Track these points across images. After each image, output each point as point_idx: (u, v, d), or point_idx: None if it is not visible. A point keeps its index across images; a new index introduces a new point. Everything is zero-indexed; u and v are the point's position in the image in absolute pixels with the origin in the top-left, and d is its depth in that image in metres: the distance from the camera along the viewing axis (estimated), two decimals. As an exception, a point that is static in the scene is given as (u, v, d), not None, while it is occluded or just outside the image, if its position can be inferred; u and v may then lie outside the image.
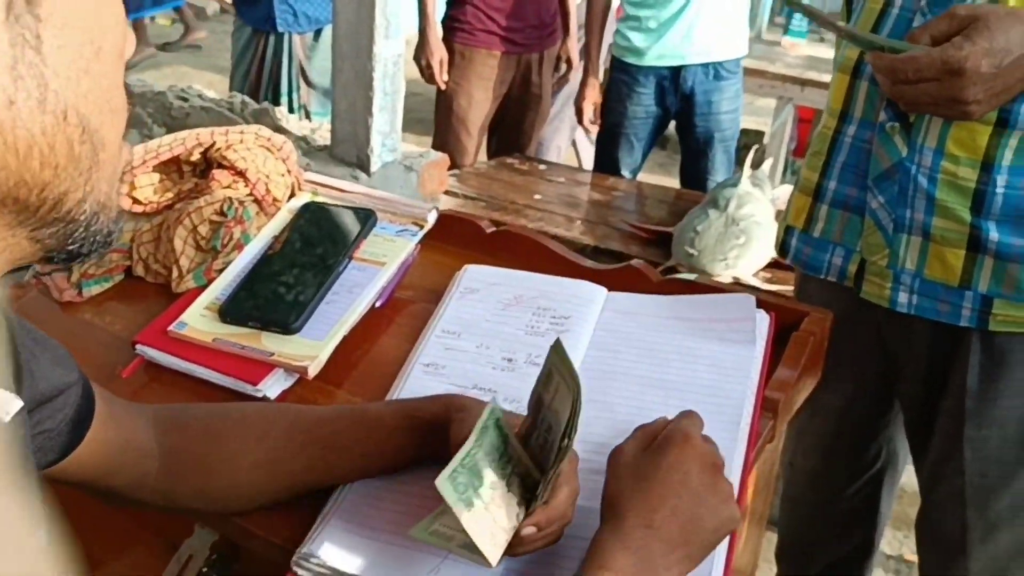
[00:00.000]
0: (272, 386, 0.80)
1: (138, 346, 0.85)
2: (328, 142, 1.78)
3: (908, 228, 0.98)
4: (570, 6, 2.89)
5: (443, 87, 2.75)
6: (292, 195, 1.00)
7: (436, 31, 2.70)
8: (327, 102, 2.77)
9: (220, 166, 0.96)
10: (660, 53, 2.51)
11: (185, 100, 1.77)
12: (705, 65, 2.47)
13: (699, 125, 2.59)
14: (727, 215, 1.97)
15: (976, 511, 1.04)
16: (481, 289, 0.89)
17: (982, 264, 0.95)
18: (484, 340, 0.83)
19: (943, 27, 0.85)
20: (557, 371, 0.56)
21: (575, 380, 0.54)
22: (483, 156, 3.00)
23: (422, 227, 0.96)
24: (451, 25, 2.74)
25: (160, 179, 0.98)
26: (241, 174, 0.95)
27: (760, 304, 0.85)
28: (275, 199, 0.97)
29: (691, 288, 0.91)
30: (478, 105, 2.78)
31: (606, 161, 2.73)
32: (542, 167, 2.77)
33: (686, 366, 0.79)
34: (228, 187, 0.95)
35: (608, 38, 2.77)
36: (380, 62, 1.63)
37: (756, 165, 2.30)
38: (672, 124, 2.73)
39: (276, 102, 2.73)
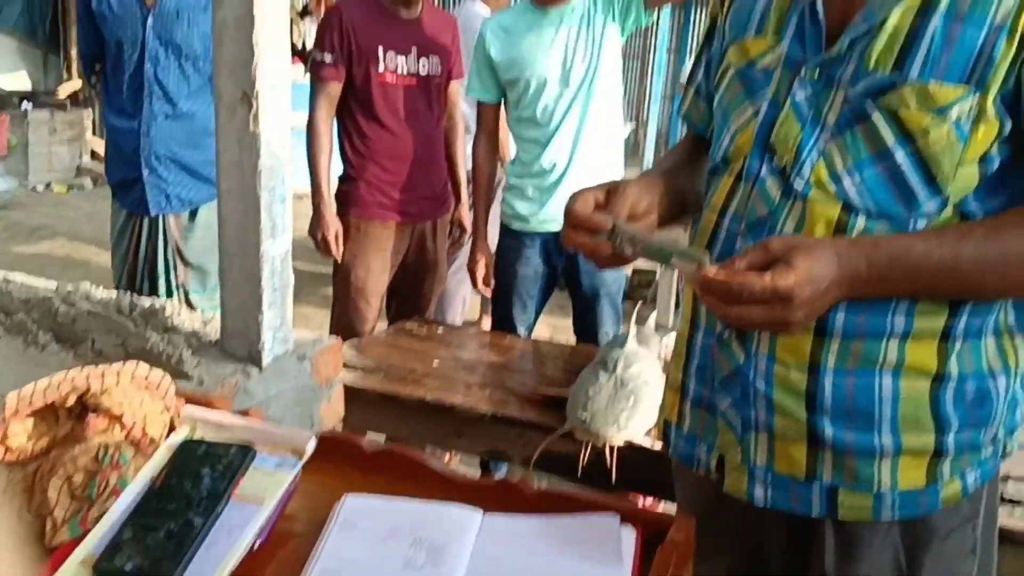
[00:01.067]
0: (149, 645, 0.80)
1: (9, 611, 0.83)
2: (219, 335, 1.80)
3: (755, 427, 1.05)
4: (460, 176, 3.03)
5: (339, 259, 2.82)
6: (171, 430, 1.02)
7: (330, 206, 2.78)
8: (206, 280, 2.79)
9: (96, 410, 0.97)
10: (543, 219, 2.65)
11: (72, 304, 1.76)
12: (586, 229, 2.60)
13: (585, 283, 2.70)
14: (616, 377, 2.05)
15: None
16: (359, 522, 0.91)
17: (823, 458, 1.02)
18: (363, 577, 0.84)
19: (759, 258, 0.91)
20: None
21: None
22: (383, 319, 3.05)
23: (300, 456, 0.98)
24: (344, 200, 2.84)
25: (34, 425, 0.98)
26: (117, 419, 0.96)
27: (627, 516, 0.89)
28: (152, 439, 0.98)
29: (565, 500, 0.95)
30: (375, 275, 2.85)
31: (502, 320, 2.81)
32: (440, 330, 2.82)
33: (558, 590, 0.82)
34: (104, 432, 0.96)
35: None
36: (268, 260, 1.67)
37: (642, 321, 2.41)
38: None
39: (153, 283, 2.74)
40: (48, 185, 7.81)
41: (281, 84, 1.64)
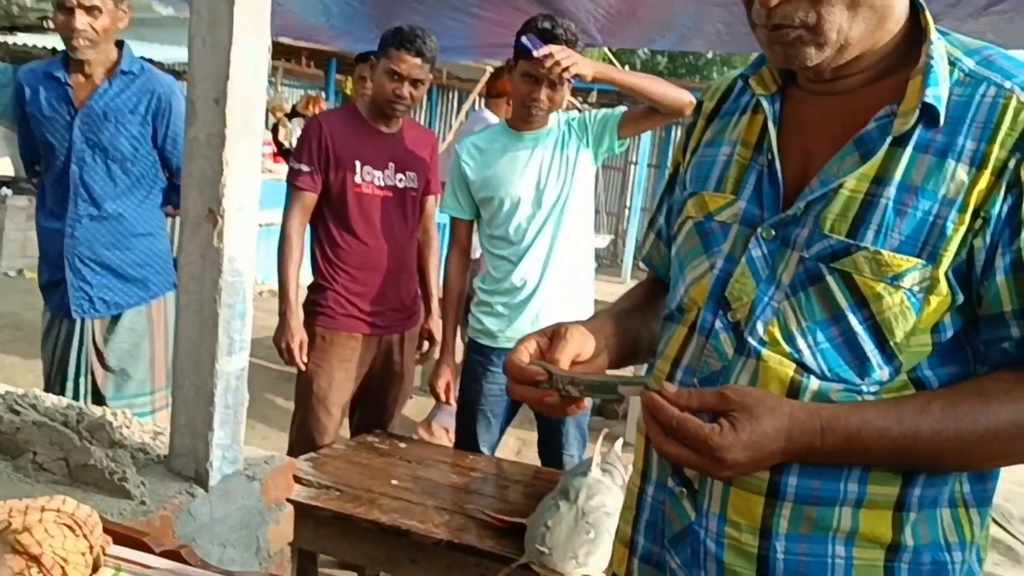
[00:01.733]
0: None
1: None
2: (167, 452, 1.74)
3: None
4: (432, 288, 3.02)
5: (303, 369, 2.77)
6: (95, 570, 0.97)
7: (297, 315, 2.75)
8: (125, 385, 2.71)
9: (15, 551, 0.92)
10: (511, 335, 2.63)
11: (17, 413, 1.71)
12: (553, 347, 2.60)
13: (553, 403, 2.67)
14: (577, 507, 1.99)
15: None
16: None
17: None
18: None
19: (713, 402, 0.91)
20: None
21: None
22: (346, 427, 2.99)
23: (228, 607, 0.93)
24: (312, 309, 2.81)
25: (-53, 562, 0.93)
26: (36, 559, 0.91)
27: None
28: (72, 582, 0.93)
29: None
30: (339, 386, 2.80)
31: (465, 438, 2.76)
32: (402, 445, 2.77)
33: None
34: (20, 573, 0.91)
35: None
36: (222, 378, 1.64)
37: (610, 442, 2.37)
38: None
39: (62, 388, 2.65)
40: (20, 271, 7.74)
41: (249, 204, 1.64)
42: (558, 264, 2.60)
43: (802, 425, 0.90)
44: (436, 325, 3.01)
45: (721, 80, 1.19)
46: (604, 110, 2.62)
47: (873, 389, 0.94)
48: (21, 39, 8.65)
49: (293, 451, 2.74)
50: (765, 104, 1.04)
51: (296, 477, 2.25)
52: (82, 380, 2.66)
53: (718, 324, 1.01)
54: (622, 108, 2.62)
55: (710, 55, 22.19)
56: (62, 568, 0.92)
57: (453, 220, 2.78)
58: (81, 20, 2.52)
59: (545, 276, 2.60)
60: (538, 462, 2.85)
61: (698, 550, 1.01)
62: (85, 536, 0.97)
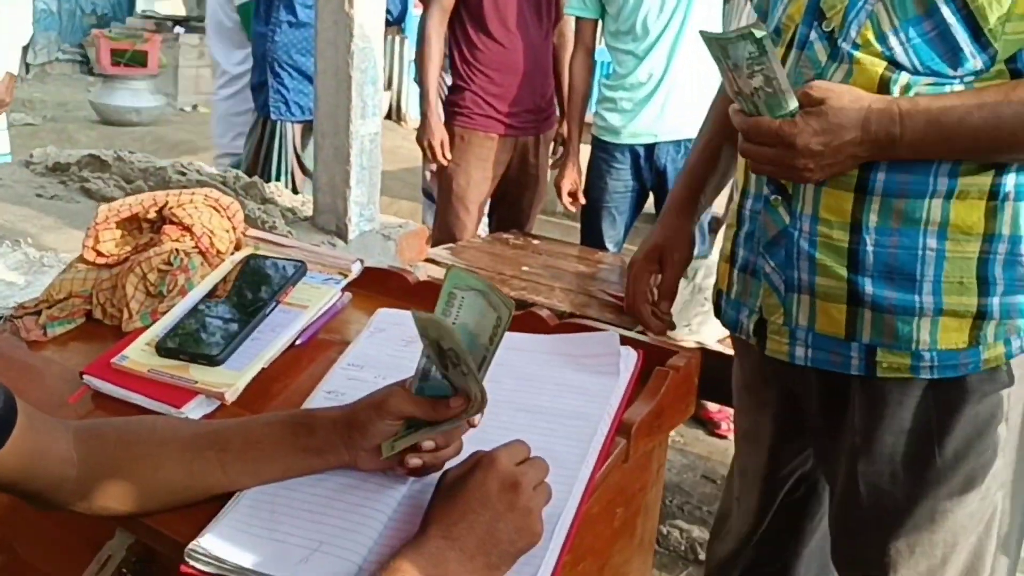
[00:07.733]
0: (194, 410, 0.91)
1: (85, 376, 0.96)
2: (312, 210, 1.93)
3: (797, 288, 1.07)
4: (566, 92, 3.05)
5: (445, 165, 2.91)
6: (237, 248, 1.13)
7: (437, 115, 2.87)
8: None
9: (171, 222, 1.09)
10: (634, 131, 2.65)
11: (183, 174, 1.93)
12: (676, 142, 2.61)
13: (674, 200, 2.70)
14: (694, 284, 2.06)
15: (875, 548, 1.09)
16: (388, 329, 1.00)
17: (863, 317, 1.03)
18: (383, 372, 0.93)
19: (801, 97, 0.97)
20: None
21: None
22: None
23: (346, 276, 1.07)
24: (451, 110, 2.91)
25: (121, 235, 1.11)
26: (188, 229, 1.08)
27: (632, 344, 0.95)
28: (219, 251, 1.09)
29: (581, 328, 1.01)
30: (476, 184, 2.92)
31: (591, 236, 2.85)
32: (536, 242, 2.89)
33: (556, 394, 0.88)
34: (176, 240, 1.08)
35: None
36: (357, 140, 1.78)
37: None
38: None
39: (267, 182, 2.90)
40: (195, 106, 8.27)
41: (377, -31, 1.73)
42: (684, 57, 2.56)
43: (879, 113, 0.94)
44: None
45: None
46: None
47: (967, 80, 0.94)
48: None
49: (433, 245, 2.92)
50: None
51: (432, 259, 2.42)
52: (283, 179, 2.92)
53: (812, 35, 1.03)
54: None
55: None
56: (209, 238, 1.09)
57: (578, 21, 2.76)
58: None
59: (670, 69, 2.57)
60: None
61: (791, 251, 1.06)
62: (228, 218, 1.13)
